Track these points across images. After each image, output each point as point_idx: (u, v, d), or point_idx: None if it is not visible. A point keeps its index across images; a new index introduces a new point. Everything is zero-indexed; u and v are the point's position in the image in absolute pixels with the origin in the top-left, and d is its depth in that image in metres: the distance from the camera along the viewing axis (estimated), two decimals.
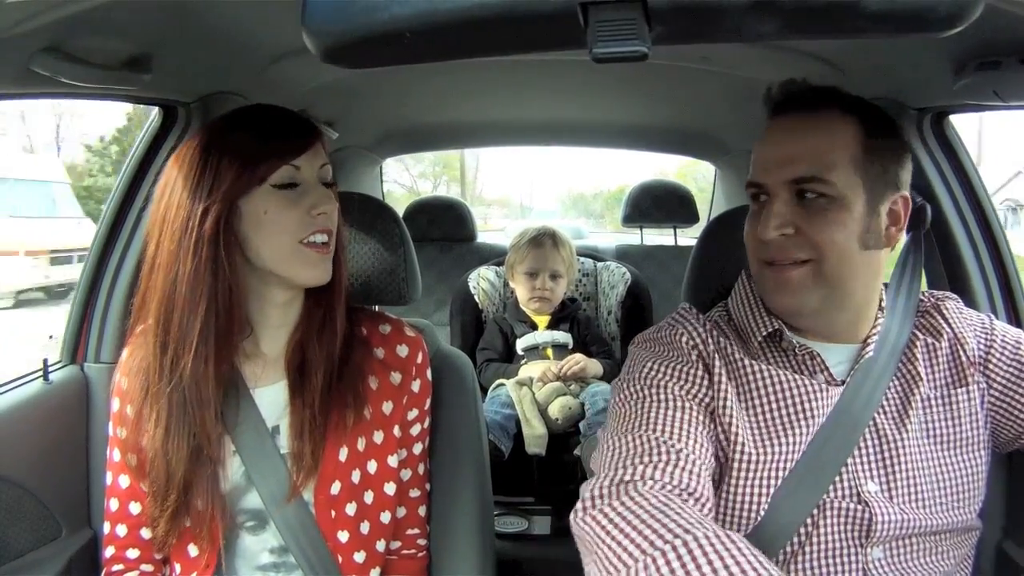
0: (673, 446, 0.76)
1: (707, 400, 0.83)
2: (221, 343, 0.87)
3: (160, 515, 0.89)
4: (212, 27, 1.00)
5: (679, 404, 0.81)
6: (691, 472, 0.75)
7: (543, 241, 2.02)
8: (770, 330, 0.87)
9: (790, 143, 0.82)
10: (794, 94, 0.85)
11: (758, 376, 0.85)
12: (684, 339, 0.88)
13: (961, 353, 0.88)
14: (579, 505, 0.72)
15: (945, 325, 0.90)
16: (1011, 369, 0.88)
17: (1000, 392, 0.88)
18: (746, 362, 0.86)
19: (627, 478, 0.73)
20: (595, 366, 1.90)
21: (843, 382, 0.85)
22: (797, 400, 0.84)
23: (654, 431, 0.78)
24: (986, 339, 0.89)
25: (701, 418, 0.82)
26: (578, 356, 1.90)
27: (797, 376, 0.85)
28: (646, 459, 0.75)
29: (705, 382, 0.84)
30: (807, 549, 0.81)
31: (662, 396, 0.82)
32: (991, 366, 0.88)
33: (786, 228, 0.81)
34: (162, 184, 0.89)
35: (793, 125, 0.83)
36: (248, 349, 0.94)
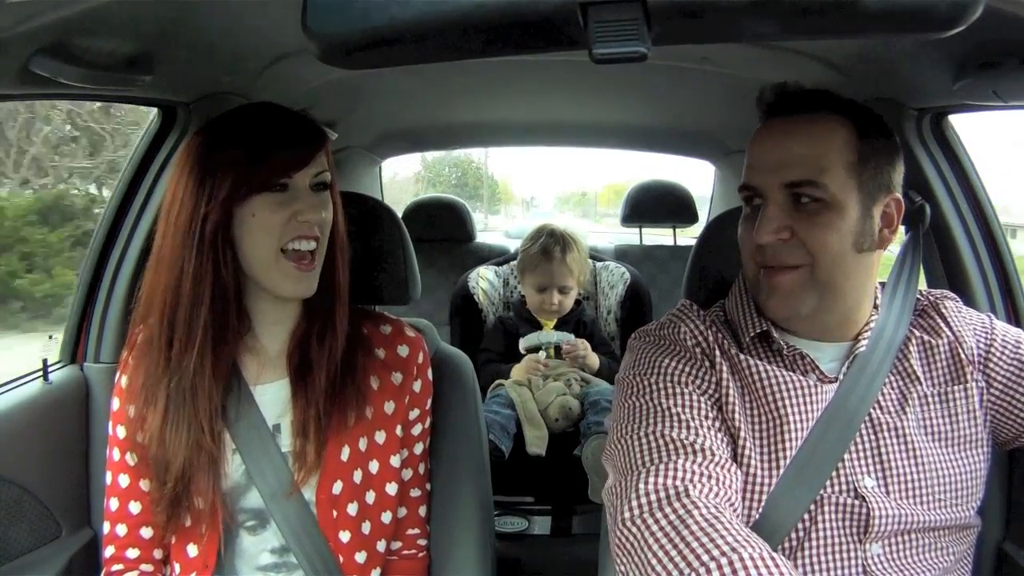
0: (702, 444, 0.77)
1: (716, 396, 0.84)
2: (220, 338, 0.88)
3: (160, 500, 0.89)
4: (212, 27, 0.99)
5: (694, 400, 0.82)
6: (728, 470, 0.76)
7: (552, 253, 1.93)
8: (759, 331, 0.88)
9: (784, 146, 0.82)
10: (787, 96, 0.84)
11: (754, 372, 0.85)
12: (686, 335, 0.88)
13: (960, 352, 0.88)
14: (625, 507, 0.72)
15: (943, 325, 0.90)
16: (1011, 369, 0.88)
17: (1000, 391, 0.88)
18: (742, 357, 0.86)
19: (674, 483, 0.72)
20: (594, 359, 1.92)
21: (836, 379, 0.86)
22: (792, 396, 0.84)
23: (678, 429, 0.78)
24: (986, 339, 0.89)
25: (715, 413, 0.82)
26: (583, 343, 1.91)
27: (790, 373, 0.86)
28: (681, 460, 0.75)
29: (710, 377, 0.85)
30: (806, 545, 0.82)
31: (677, 391, 0.82)
32: (991, 365, 0.88)
33: (781, 232, 0.81)
34: (170, 178, 0.90)
35: (786, 128, 0.83)
36: (248, 345, 0.94)
